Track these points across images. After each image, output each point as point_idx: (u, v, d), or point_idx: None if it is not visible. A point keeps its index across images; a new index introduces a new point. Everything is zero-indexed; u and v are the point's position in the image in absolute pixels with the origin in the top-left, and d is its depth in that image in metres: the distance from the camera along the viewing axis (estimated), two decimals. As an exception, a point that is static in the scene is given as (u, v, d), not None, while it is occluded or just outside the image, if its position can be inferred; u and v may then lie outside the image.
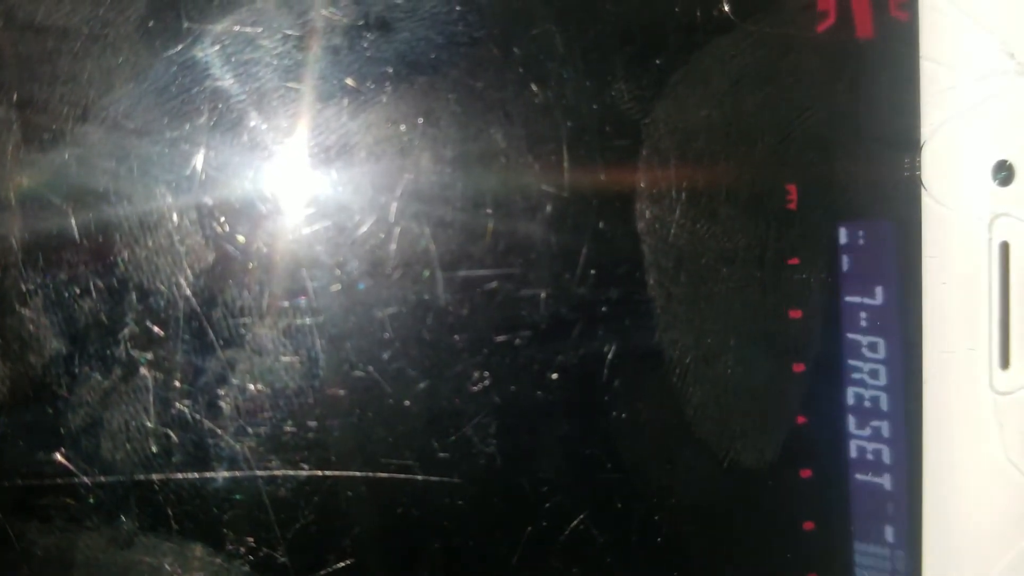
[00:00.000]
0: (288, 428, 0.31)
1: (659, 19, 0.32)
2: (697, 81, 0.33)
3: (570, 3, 0.32)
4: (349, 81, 0.30)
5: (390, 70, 0.30)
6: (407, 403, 0.31)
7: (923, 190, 0.34)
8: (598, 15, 0.32)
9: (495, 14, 0.31)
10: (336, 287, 0.31)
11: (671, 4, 0.32)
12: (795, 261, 0.33)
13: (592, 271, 0.32)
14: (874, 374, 0.35)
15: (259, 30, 0.30)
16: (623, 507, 0.33)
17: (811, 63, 0.33)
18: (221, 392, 0.30)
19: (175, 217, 0.30)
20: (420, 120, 0.31)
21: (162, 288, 0.30)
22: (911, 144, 0.34)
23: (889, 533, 0.35)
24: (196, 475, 0.30)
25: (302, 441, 0.31)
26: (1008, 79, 0.35)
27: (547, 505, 0.33)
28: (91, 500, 0.30)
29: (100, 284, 0.30)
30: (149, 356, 0.30)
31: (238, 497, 0.31)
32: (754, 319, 0.33)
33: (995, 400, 0.36)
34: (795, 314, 0.34)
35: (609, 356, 0.32)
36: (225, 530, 0.31)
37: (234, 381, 0.30)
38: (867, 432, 0.35)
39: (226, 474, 0.31)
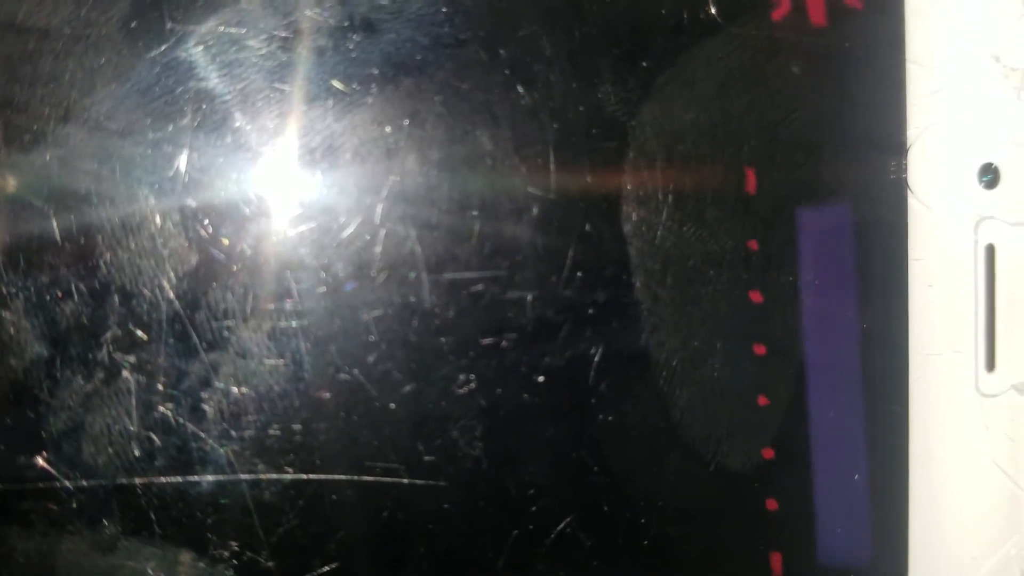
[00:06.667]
0: (273, 431, 0.31)
1: (645, 21, 0.32)
2: (683, 83, 0.33)
3: (556, 5, 0.32)
4: (334, 82, 0.30)
5: (376, 71, 0.30)
6: (392, 406, 0.31)
7: (909, 193, 0.34)
8: (584, 17, 0.32)
9: (481, 16, 0.31)
10: (321, 289, 0.30)
11: (657, 6, 0.32)
12: (770, 253, 0.33)
13: (578, 273, 0.32)
14: (861, 376, 0.35)
15: (243, 31, 0.30)
16: (610, 510, 0.33)
17: (791, 63, 0.33)
18: (205, 395, 0.30)
19: (158, 219, 0.29)
20: (406, 122, 0.31)
21: (145, 291, 0.30)
22: (897, 147, 0.34)
23: (875, 535, 0.35)
24: (180, 479, 0.30)
25: (287, 444, 0.31)
26: (994, 82, 0.35)
27: (534, 508, 0.32)
28: (73, 504, 0.30)
29: (82, 287, 0.29)
30: (132, 359, 0.30)
31: (222, 501, 0.31)
32: (740, 320, 0.33)
33: (981, 402, 0.36)
34: (779, 312, 0.34)
35: (595, 358, 0.32)
36: (209, 534, 0.31)
37: (218, 384, 0.30)
38: (853, 433, 0.35)
39: (210, 478, 0.30)
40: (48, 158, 0.29)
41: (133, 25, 0.29)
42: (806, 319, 0.34)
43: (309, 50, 0.30)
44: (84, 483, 0.30)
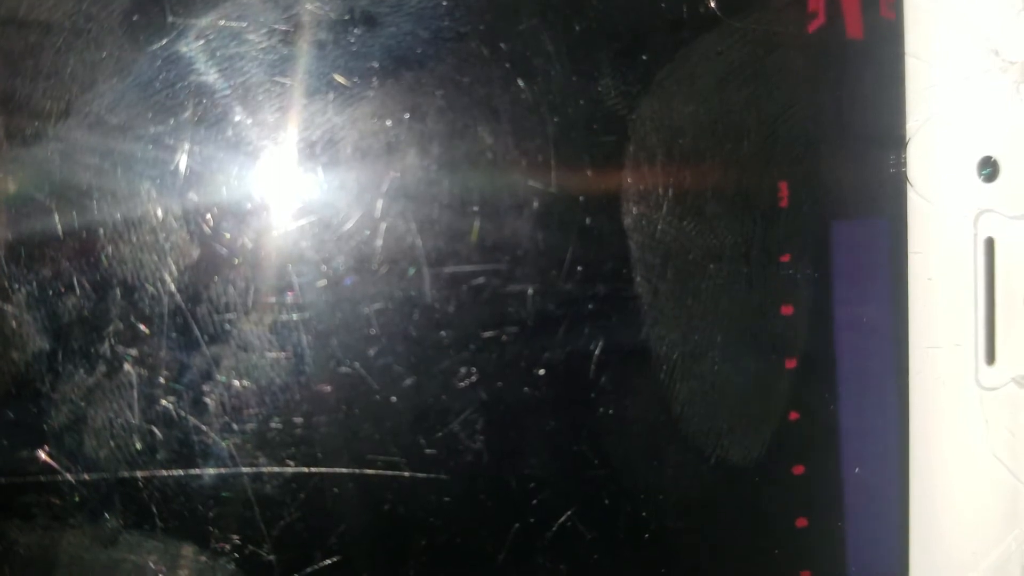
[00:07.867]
0: (274, 424, 0.31)
1: (646, 16, 0.32)
2: (684, 78, 0.33)
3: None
4: (335, 76, 0.30)
5: (376, 65, 0.30)
6: (394, 399, 0.31)
7: (909, 186, 0.35)
8: (585, 11, 0.32)
9: (482, 10, 0.31)
10: (322, 283, 0.30)
11: (658, 1, 0.32)
12: (785, 258, 0.34)
13: (579, 267, 0.32)
14: (860, 370, 0.35)
15: (244, 25, 0.30)
16: (611, 503, 0.33)
17: (798, 60, 0.33)
18: (206, 388, 0.30)
19: (160, 213, 0.30)
20: (406, 116, 0.31)
21: (147, 285, 0.30)
22: (896, 141, 0.34)
23: (875, 528, 0.35)
24: (181, 472, 0.30)
25: (288, 438, 0.31)
26: (992, 76, 0.35)
27: (534, 502, 0.32)
28: (75, 498, 0.30)
29: (84, 281, 0.29)
30: (134, 352, 0.30)
31: (224, 494, 0.31)
32: (742, 316, 0.33)
33: (981, 395, 0.36)
34: (785, 310, 0.34)
35: (596, 352, 0.32)
36: (210, 527, 0.31)
37: (219, 377, 0.30)
38: (854, 428, 0.35)
39: (212, 471, 0.30)
40: (49, 152, 0.29)
41: (134, 19, 0.29)
42: (806, 316, 0.34)
43: (310, 44, 0.30)
44: (86, 476, 0.30)
